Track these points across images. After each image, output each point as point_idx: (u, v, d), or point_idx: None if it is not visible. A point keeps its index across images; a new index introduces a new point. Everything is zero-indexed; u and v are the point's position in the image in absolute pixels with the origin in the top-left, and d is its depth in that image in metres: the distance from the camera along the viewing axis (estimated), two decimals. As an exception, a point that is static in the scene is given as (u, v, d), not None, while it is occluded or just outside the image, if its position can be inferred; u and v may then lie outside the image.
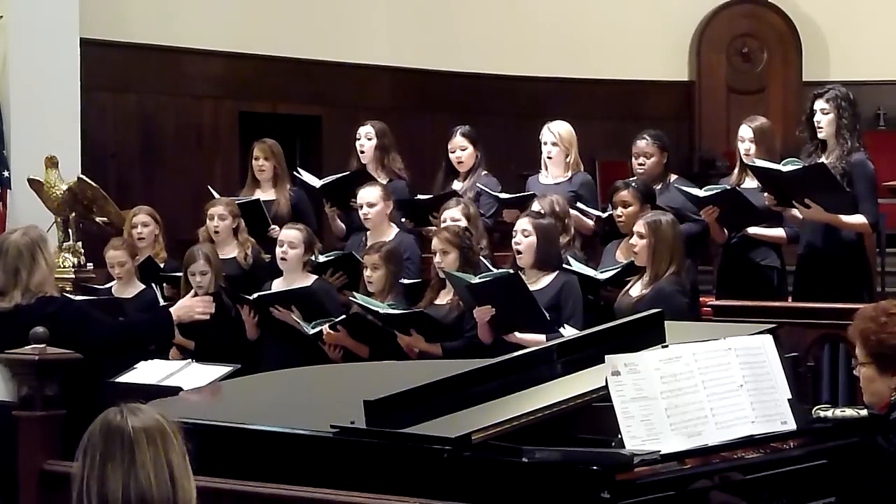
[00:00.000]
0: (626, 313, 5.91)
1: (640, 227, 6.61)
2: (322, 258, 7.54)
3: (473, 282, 6.55)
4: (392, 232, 7.68)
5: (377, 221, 7.66)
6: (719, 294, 7.39)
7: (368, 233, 7.72)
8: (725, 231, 7.38)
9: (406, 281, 7.31)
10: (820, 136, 6.99)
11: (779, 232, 7.30)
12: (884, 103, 12.59)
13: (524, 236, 6.71)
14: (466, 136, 8.24)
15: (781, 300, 7.15)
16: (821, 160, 6.89)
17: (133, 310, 7.39)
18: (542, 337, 6.24)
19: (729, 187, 7.31)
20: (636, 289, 6.57)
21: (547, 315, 6.43)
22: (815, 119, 6.99)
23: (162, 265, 7.99)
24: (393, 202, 7.79)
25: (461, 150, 8.23)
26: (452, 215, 7.21)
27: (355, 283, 7.31)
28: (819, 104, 6.99)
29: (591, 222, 7.64)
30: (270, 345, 7.33)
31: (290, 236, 7.37)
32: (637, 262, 6.67)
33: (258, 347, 7.36)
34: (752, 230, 7.28)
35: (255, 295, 7.26)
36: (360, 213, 7.68)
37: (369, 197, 7.66)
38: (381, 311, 6.80)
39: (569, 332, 6.28)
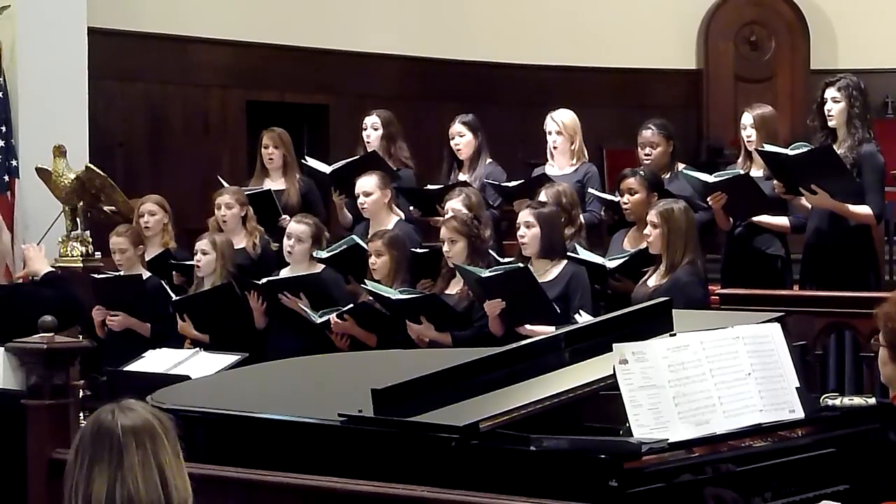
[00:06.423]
0: (643, 304, 5.89)
1: (652, 216, 6.59)
2: (323, 254, 7.40)
3: (484, 276, 6.54)
4: (392, 220, 7.66)
5: (374, 210, 7.65)
6: (724, 282, 7.38)
7: (370, 222, 7.72)
8: (731, 219, 7.37)
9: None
10: (830, 124, 6.96)
11: (783, 221, 7.26)
12: (892, 91, 12.55)
13: (527, 228, 6.71)
14: (465, 124, 8.19)
15: (785, 289, 7.14)
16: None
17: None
18: (552, 329, 6.22)
19: (742, 172, 7.27)
20: (653, 279, 6.55)
21: (556, 308, 6.42)
22: (826, 108, 6.96)
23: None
24: (393, 190, 7.77)
25: (459, 137, 8.17)
26: (454, 206, 7.19)
27: (362, 271, 7.30)
28: (830, 93, 6.96)
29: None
30: (277, 334, 7.33)
31: (297, 230, 7.35)
32: (651, 251, 6.65)
33: (265, 336, 7.36)
34: (756, 218, 7.26)
35: (265, 280, 7.27)
36: (358, 202, 7.67)
37: (366, 186, 7.65)
38: (392, 297, 6.80)
39: (584, 319, 6.28)
